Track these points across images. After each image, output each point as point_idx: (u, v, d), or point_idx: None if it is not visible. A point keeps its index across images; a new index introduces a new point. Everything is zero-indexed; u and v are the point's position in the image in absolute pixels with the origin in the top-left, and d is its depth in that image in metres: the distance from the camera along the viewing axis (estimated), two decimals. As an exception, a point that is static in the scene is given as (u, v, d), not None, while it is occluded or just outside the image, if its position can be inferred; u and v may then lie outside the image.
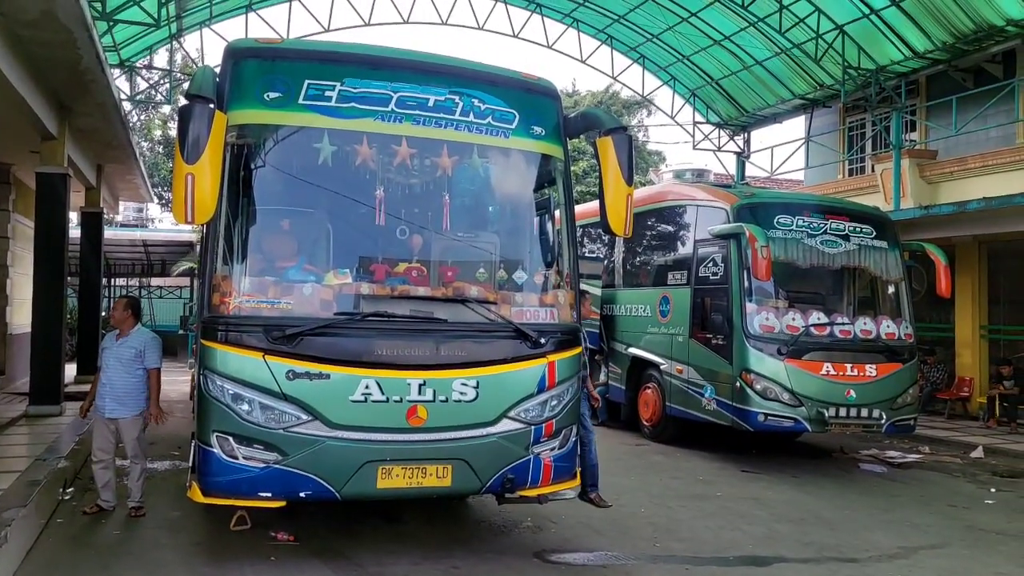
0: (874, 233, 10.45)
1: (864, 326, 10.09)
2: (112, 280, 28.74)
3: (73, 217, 15.58)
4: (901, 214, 14.03)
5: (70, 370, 13.73)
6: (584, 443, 6.84)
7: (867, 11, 15.88)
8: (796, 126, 21.90)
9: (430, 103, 5.72)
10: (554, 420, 5.83)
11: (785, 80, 19.33)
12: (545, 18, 20.44)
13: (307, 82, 5.49)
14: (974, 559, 6.54)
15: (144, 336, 6.77)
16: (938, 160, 16.34)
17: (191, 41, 23.61)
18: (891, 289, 10.81)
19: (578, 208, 7.25)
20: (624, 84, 24.23)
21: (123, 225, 36.33)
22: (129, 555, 5.83)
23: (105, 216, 17.20)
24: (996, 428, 13.29)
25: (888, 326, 10.20)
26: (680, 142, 44.36)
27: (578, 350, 6.10)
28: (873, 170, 17.57)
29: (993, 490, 9.25)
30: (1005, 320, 15.11)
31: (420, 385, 5.40)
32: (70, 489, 7.45)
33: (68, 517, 6.68)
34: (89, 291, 15.75)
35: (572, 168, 7.54)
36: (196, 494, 5.29)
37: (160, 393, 6.80)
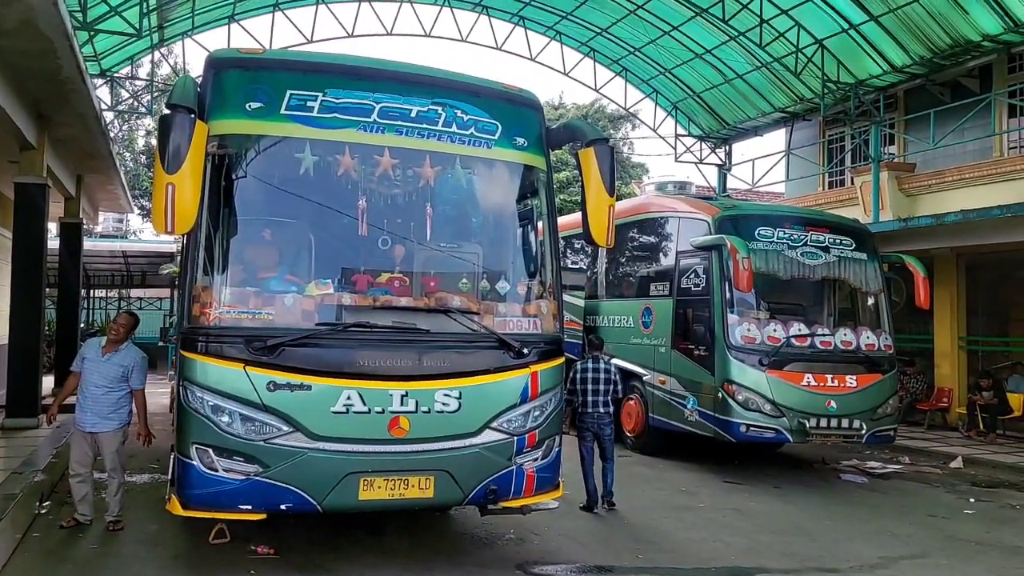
0: (854, 245, 10.55)
1: (844, 337, 10.16)
2: (91, 291, 28.51)
3: (52, 228, 15.45)
4: (880, 226, 14.17)
5: (48, 382, 13.57)
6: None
7: (846, 26, 16.08)
8: (776, 139, 22.06)
9: (412, 114, 5.72)
10: (537, 430, 5.82)
11: (766, 93, 19.52)
12: (528, 31, 20.53)
13: (289, 92, 5.48)
14: (954, 569, 6.58)
15: (134, 355, 6.67)
16: (916, 173, 16.53)
17: (175, 51, 23.53)
18: (871, 300, 10.90)
19: (561, 219, 7.27)
20: (607, 97, 24.36)
21: (103, 236, 36.01)
22: (107, 570, 5.75)
23: (85, 227, 17.04)
24: (975, 438, 13.40)
25: (868, 337, 10.28)
26: (662, 154, 44.63)
27: (560, 360, 6.11)
28: (852, 183, 17.75)
29: (972, 500, 9.32)
30: (983, 331, 15.30)
31: (402, 396, 5.38)
32: (47, 503, 7.35)
33: (45, 531, 6.59)
34: (68, 302, 15.60)
35: (555, 177, 7.57)
36: (175, 507, 5.23)
37: (147, 413, 6.72)
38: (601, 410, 8.08)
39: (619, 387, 8.31)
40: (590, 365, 8.17)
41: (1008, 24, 13.97)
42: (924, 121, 15.86)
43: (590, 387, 8.07)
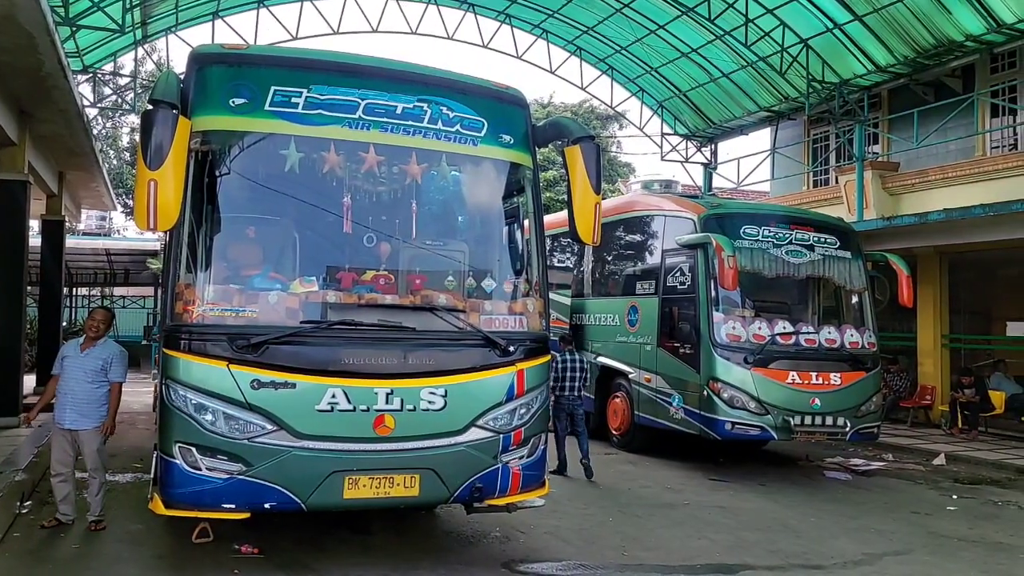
0: (838, 243, 10.60)
1: (829, 335, 10.21)
2: (74, 290, 28.28)
3: (34, 225, 15.33)
4: (864, 225, 14.24)
5: (29, 381, 13.45)
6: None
7: (831, 25, 16.16)
8: (762, 138, 22.16)
9: (398, 110, 5.69)
10: (523, 428, 5.81)
11: (751, 92, 19.59)
12: (514, 29, 20.52)
13: (273, 88, 5.43)
14: (937, 565, 6.62)
15: (112, 349, 6.61)
16: (900, 172, 16.64)
17: (158, 48, 23.36)
18: (855, 299, 10.95)
19: (547, 218, 7.26)
20: (594, 96, 24.38)
21: (86, 233, 35.75)
22: (89, 570, 5.70)
23: (67, 224, 16.89)
24: (958, 436, 13.51)
25: (852, 335, 10.33)
26: (648, 153, 44.78)
27: (547, 358, 6.10)
28: (837, 182, 17.85)
29: (955, 497, 9.39)
30: (965, 329, 15.42)
31: (387, 394, 5.36)
32: (27, 503, 7.27)
33: (25, 531, 6.51)
34: (50, 301, 15.46)
35: (542, 175, 7.57)
36: (158, 506, 5.19)
37: (119, 407, 6.67)
38: (575, 394, 9.69)
39: (587, 375, 10.13)
40: (567, 357, 9.72)
41: (991, 24, 14.08)
42: (908, 120, 15.97)
43: (568, 375, 9.63)
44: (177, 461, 5.09)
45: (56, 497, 6.57)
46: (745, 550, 6.78)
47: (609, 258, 12.66)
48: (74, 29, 14.12)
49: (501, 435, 5.70)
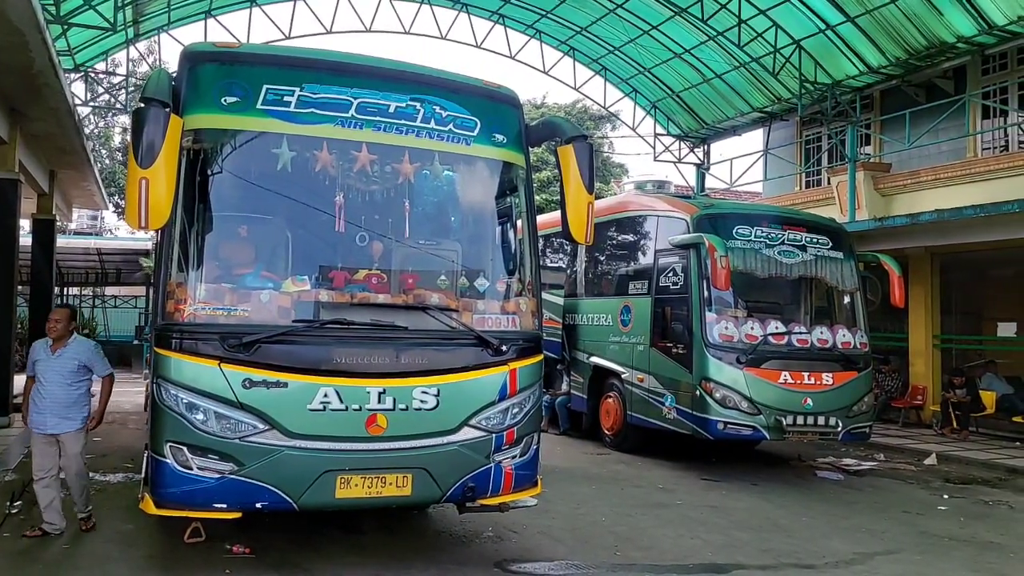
0: (830, 244, 10.62)
1: (821, 335, 10.24)
2: (65, 289, 28.14)
3: (24, 224, 15.26)
4: (856, 226, 14.29)
5: (19, 381, 13.37)
6: None
7: (823, 27, 16.21)
8: (754, 138, 22.26)
9: (391, 109, 5.68)
10: (515, 428, 5.81)
11: (744, 93, 19.63)
12: (508, 29, 20.51)
13: (266, 87, 5.42)
14: (928, 564, 6.64)
15: (85, 345, 6.47)
16: (892, 173, 16.69)
17: (154, 51, 23.31)
18: (847, 299, 10.99)
19: (540, 217, 7.26)
20: (587, 96, 24.42)
21: (77, 233, 35.59)
22: (79, 570, 5.67)
23: (58, 223, 16.82)
24: (949, 436, 13.56)
25: (844, 335, 10.35)
26: (641, 154, 44.82)
27: (539, 357, 6.10)
28: (829, 182, 17.90)
29: (946, 496, 9.42)
30: (956, 330, 15.48)
31: (380, 393, 5.35)
32: (17, 503, 7.23)
33: (15, 531, 6.47)
34: (40, 300, 15.34)
35: (536, 176, 7.56)
36: (149, 506, 5.16)
37: (109, 400, 6.55)
38: None
39: None
40: None
41: (982, 26, 14.14)
42: (899, 122, 16.01)
43: None
44: (168, 461, 5.06)
45: (40, 504, 6.33)
46: (737, 549, 6.80)
47: (602, 258, 12.67)
48: (65, 27, 14.07)
49: (494, 434, 5.70)
